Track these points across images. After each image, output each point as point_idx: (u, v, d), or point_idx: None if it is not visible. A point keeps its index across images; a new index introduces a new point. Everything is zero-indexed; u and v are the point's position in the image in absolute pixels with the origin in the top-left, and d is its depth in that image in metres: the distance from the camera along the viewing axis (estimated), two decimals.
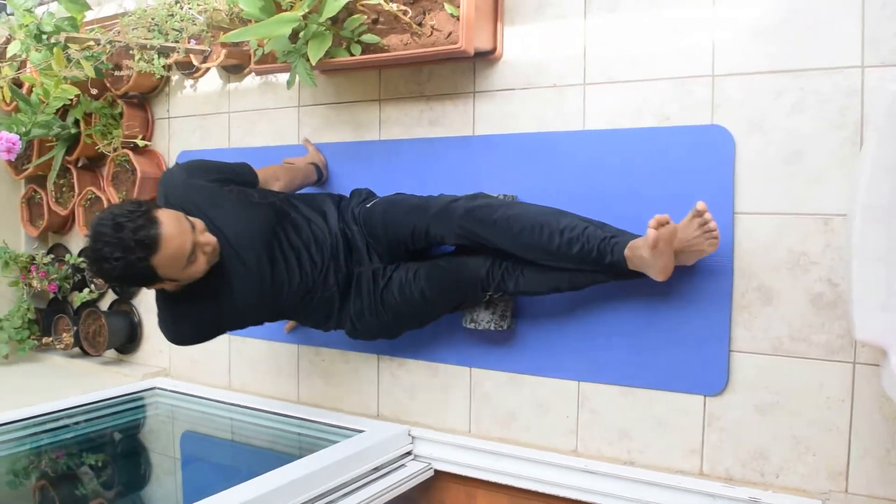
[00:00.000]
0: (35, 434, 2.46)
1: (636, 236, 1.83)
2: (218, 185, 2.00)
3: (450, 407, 2.35)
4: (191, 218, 1.82)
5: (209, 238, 1.83)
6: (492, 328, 2.15)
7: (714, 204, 1.92)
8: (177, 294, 1.91)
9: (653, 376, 2.04)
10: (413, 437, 2.31)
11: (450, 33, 2.11)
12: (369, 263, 2.12)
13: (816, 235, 1.84)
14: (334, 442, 2.22)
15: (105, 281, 1.78)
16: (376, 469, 2.13)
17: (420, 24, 2.14)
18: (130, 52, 2.43)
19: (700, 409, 1.99)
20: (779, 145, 1.87)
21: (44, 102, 2.25)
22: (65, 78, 2.19)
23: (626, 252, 1.80)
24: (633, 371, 2.05)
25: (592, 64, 2.10)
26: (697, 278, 1.96)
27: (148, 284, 1.81)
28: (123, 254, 1.66)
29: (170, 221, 1.73)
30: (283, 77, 2.63)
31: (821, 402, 1.84)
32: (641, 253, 1.75)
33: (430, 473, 2.27)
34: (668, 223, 1.70)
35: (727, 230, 1.92)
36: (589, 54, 2.10)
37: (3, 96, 2.22)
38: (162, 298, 1.95)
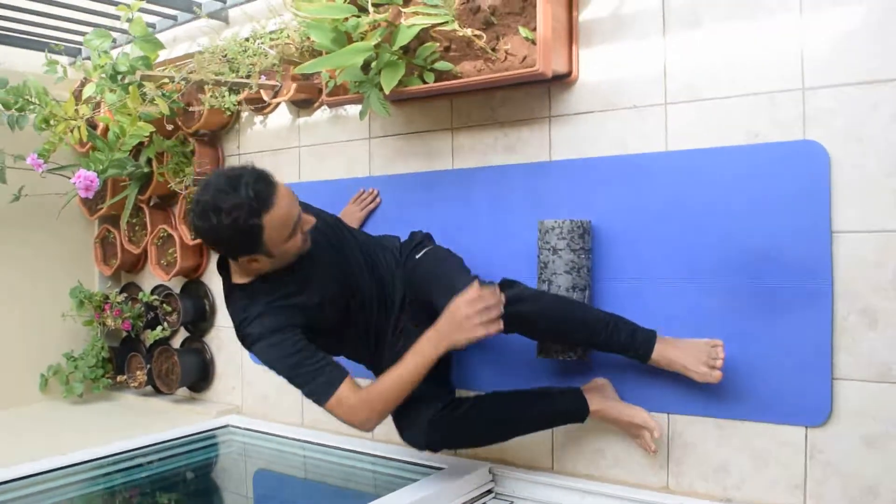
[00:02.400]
0: (110, 473, 2.45)
1: (650, 333, 1.95)
2: None
3: (531, 442, 2.25)
4: None
5: (310, 218, 1.80)
6: (560, 358, 2.08)
7: (810, 223, 1.84)
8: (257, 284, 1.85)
9: (750, 407, 1.92)
10: (494, 475, 2.22)
11: (524, 57, 2.07)
12: (396, 317, 2.09)
13: None
14: (411, 480, 2.16)
15: (206, 238, 1.69)
16: None
17: (494, 49, 2.10)
18: (202, 89, 2.45)
19: (802, 441, 1.87)
20: (878, 158, 1.77)
21: (120, 140, 2.27)
22: (139, 116, 2.21)
23: (655, 357, 1.93)
24: (729, 402, 1.94)
25: (673, 82, 2.04)
26: (795, 302, 1.85)
27: (248, 250, 1.71)
28: (237, 204, 1.61)
29: (283, 187, 1.72)
30: (353, 109, 2.62)
31: None
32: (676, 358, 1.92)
33: None
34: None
35: (825, 250, 1.82)
36: (669, 72, 2.04)
37: (81, 136, 2.25)
38: (241, 292, 1.87)
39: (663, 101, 2.05)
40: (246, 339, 1.85)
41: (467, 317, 1.71)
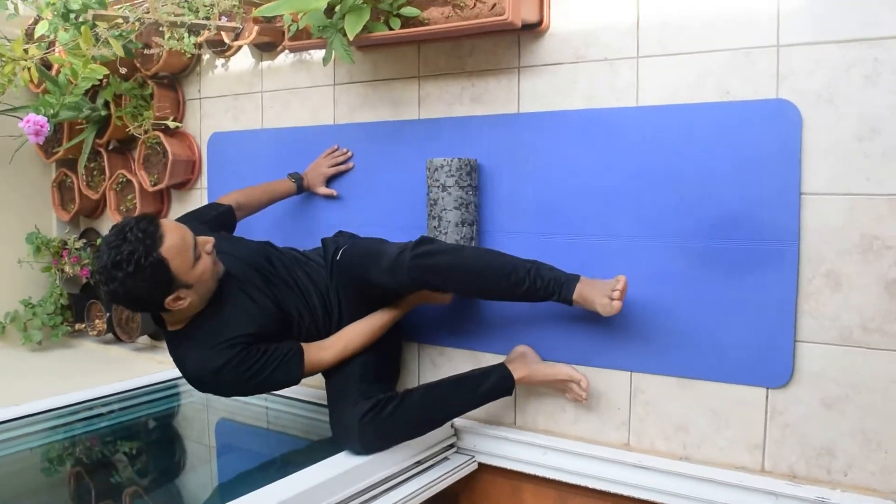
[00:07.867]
0: (70, 423, 2.42)
1: (573, 276, 1.93)
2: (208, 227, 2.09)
3: None
4: None
5: (207, 238, 1.83)
6: None
7: (779, 183, 1.81)
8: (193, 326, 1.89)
9: (712, 367, 1.92)
10: (456, 429, 2.22)
11: (493, 5, 2.00)
12: (337, 324, 2.10)
13: (892, 218, 1.70)
14: None
15: (123, 298, 1.73)
16: (419, 463, 2.04)
17: None
18: (160, 29, 2.34)
19: (762, 403, 1.87)
20: (851, 121, 1.74)
21: (72, 83, 2.17)
22: (93, 58, 2.11)
23: (575, 297, 1.91)
24: (691, 361, 1.94)
25: (646, 35, 1.98)
26: (760, 264, 1.84)
27: (165, 290, 1.73)
28: (132, 249, 1.65)
29: (168, 221, 1.77)
30: (318, 54, 2.53)
31: (895, 395, 1.72)
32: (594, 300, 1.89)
33: (474, 466, 2.18)
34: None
35: (793, 212, 1.80)
36: (643, 24, 1.98)
37: (31, 77, 2.14)
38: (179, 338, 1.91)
39: (635, 55, 1.99)
40: (200, 385, 1.91)
41: None
